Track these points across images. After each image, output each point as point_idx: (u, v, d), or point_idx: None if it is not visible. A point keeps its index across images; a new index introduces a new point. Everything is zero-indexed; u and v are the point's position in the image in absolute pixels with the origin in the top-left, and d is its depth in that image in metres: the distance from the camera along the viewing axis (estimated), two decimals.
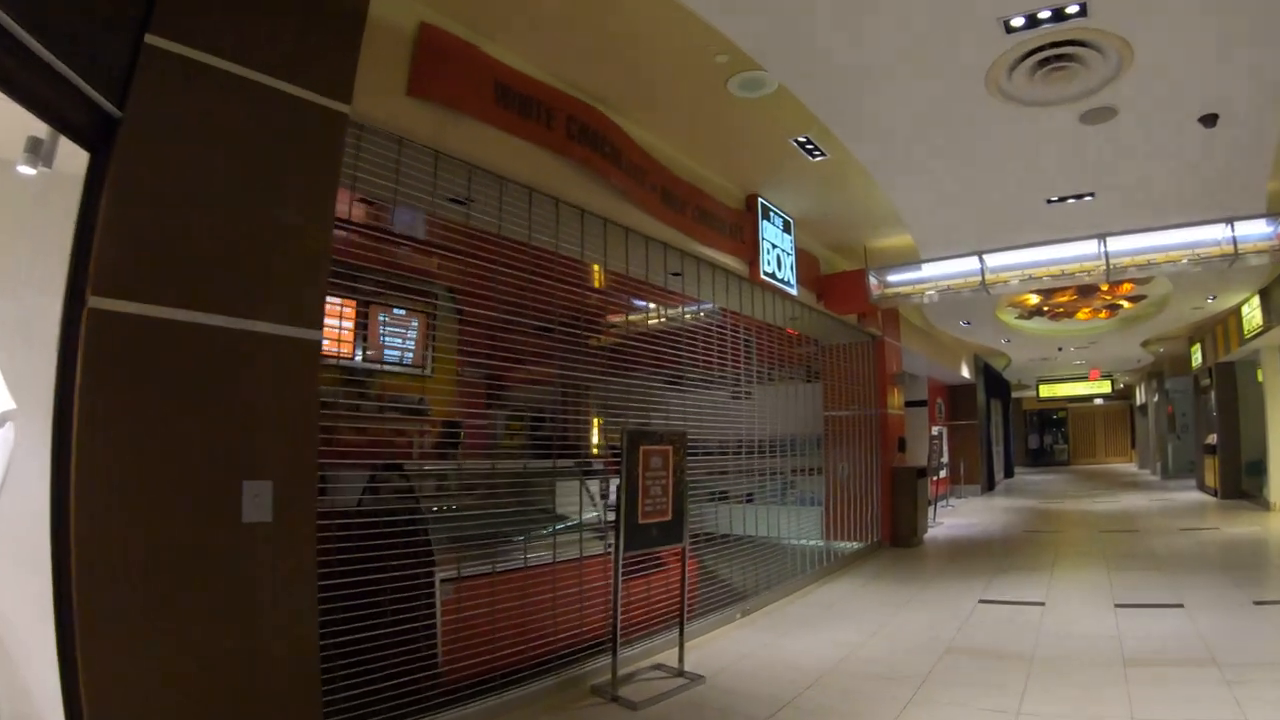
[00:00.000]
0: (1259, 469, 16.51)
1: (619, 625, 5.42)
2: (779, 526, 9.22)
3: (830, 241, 10.45)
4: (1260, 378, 16.16)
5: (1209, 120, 6.27)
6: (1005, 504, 19.52)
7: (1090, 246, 9.30)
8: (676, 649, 5.92)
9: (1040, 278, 9.66)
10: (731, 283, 8.15)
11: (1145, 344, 20.31)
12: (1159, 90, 5.81)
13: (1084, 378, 30.25)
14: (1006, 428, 30.28)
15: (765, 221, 8.39)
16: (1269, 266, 11.85)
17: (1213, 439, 18.59)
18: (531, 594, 5.45)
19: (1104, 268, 9.23)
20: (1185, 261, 9.04)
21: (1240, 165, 7.43)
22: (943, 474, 18.77)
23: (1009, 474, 29.79)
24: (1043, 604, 7.78)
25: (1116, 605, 7.52)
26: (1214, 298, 14.37)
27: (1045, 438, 39.93)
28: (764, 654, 6.38)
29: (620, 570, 5.41)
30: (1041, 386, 31.69)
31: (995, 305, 14.54)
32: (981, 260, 9.65)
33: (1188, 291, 13.86)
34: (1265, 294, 13.44)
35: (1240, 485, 17.31)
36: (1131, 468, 33.44)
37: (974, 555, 11.33)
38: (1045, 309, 15.90)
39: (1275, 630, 6.38)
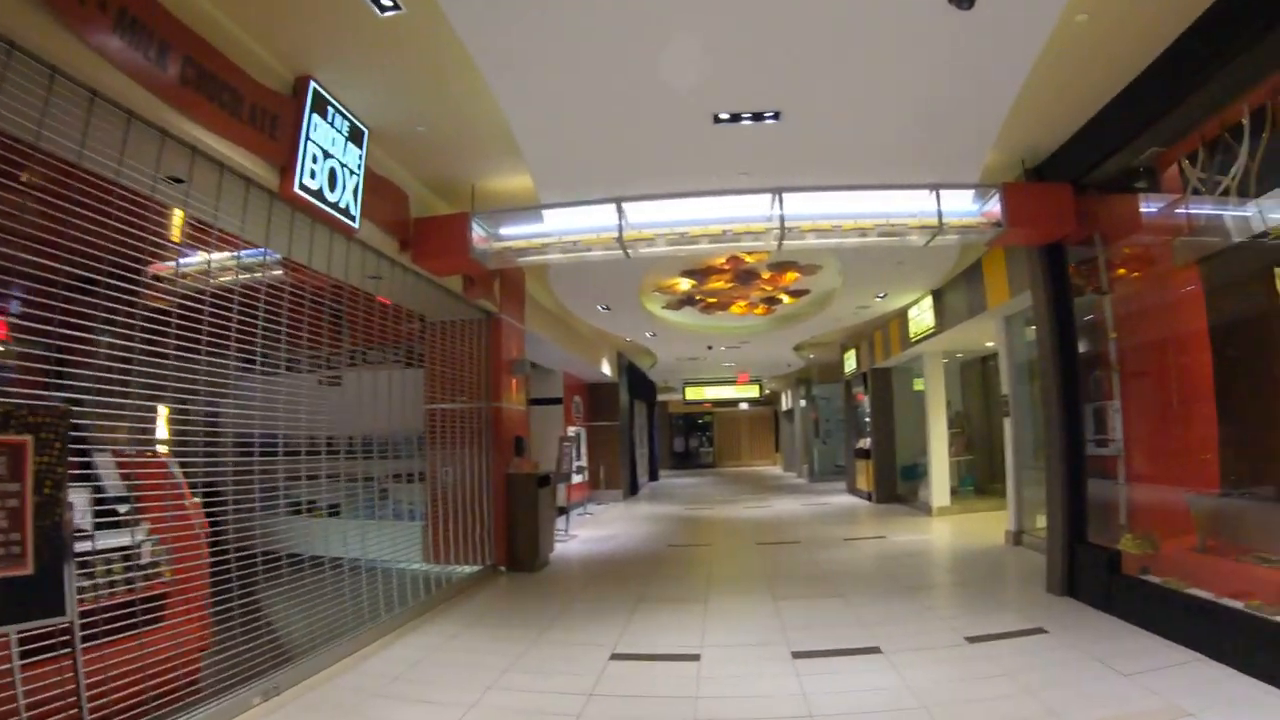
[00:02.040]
0: (914, 473, 17.45)
1: None
2: (367, 548, 7.27)
3: (430, 176, 8.17)
4: (920, 385, 16.81)
5: None
6: (649, 511, 18.92)
7: (762, 204, 7.83)
8: None
9: (696, 238, 8.07)
10: (255, 198, 5.63)
11: (798, 348, 20.63)
12: None
13: (732, 381, 31.04)
14: (651, 430, 30.84)
15: (317, 117, 5.94)
16: (952, 264, 11.69)
17: (865, 443, 19.27)
18: None
19: (777, 231, 7.81)
20: (876, 232, 7.96)
21: (979, 97, 6.28)
22: (578, 479, 17.49)
23: (654, 477, 30.35)
24: (698, 657, 6.11)
25: (795, 654, 6.06)
26: (884, 295, 14.15)
27: (691, 441, 41.97)
28: None
29: None
30: (688, 389, 31.99)
31: (640, 287, 12.95)
32: (620, 210, 7.82)
33: (857, 287, 13.45)
34: (939, 295, 13.52)
35: (896, 490, 18.12)
36: (777, 470, 35.81)
37: (610, 581, 9.79)
38: (697, 298, 14.69)
39: (1012, 682, 5.17)
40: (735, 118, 6.46)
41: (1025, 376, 11.46)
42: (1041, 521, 10.54)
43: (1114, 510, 7.44)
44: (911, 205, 7.83)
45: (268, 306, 5.84)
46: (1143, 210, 7.31)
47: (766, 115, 6.44)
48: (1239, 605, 5.46)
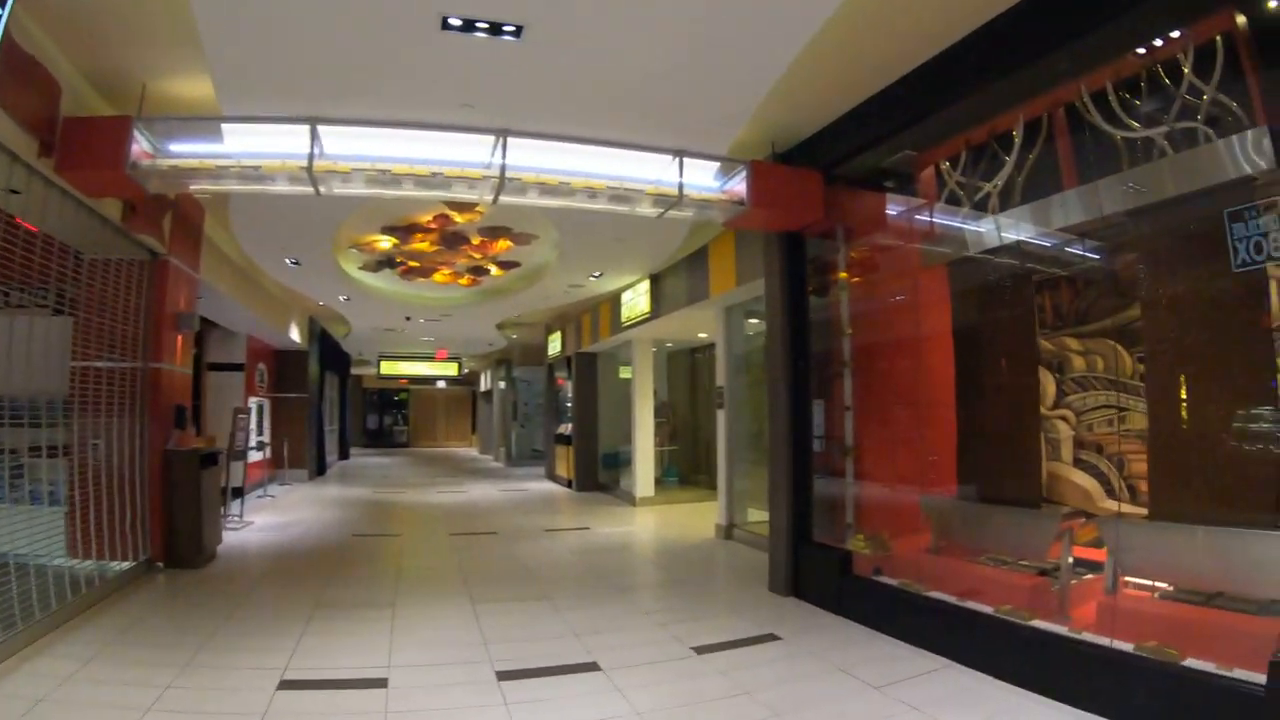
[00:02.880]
0: (616, 461, 17.37)
1: None
2: None
3: (93, 66, 6.42)
4: (627, 373, 16.71)
5: None
6: (337, 493, 17.55)
7: (484, 149, 6.88)
8: None
9: (400, 178, 6.93)
10: None
11: (501, 326, 20.00)
12: None
13: (430, 357, 30.10)
14: (344, 405, 29.37)
15: None
16: (677, 246, 11.29)
17: (566, 429, 19.01)
18: None
19: (496, 182, 6.89)
20: (607, 196, 7.24)
21: (753, 55, 5.78)
22: (257, 456, 16.02)
23: (344, 456, 29.03)
24: (385, 681, 5.10)
25: (500, 675, 5.23)
26: (599, 275, 13.69)
27: (385, 418, 40.65)
28: None
29: None
30: (384, 363, 30.47)
31: (334, 241, 11.49)
32: (315, 134, 6.53)
33: (572, 263, 12.79)
34: (657, 280, 13.30)
35: (597, 478, 17.95)
36: (473, 453, 35.70)
37: (285, 579, 8.48)
38: (398, 260, 13.38)
39: (754, 703, 4.68)
40: (469, 25, 5.35)
41: (743, 368, 11.42)
42: (753, 515, 10.53)
43: (842, 509, 7.36)
44: (650, 171, 7.28)
45: None
46: (889, 210, 7.28)
47: (506, 28, 5.39)
48: (989, 610, 5.41)
